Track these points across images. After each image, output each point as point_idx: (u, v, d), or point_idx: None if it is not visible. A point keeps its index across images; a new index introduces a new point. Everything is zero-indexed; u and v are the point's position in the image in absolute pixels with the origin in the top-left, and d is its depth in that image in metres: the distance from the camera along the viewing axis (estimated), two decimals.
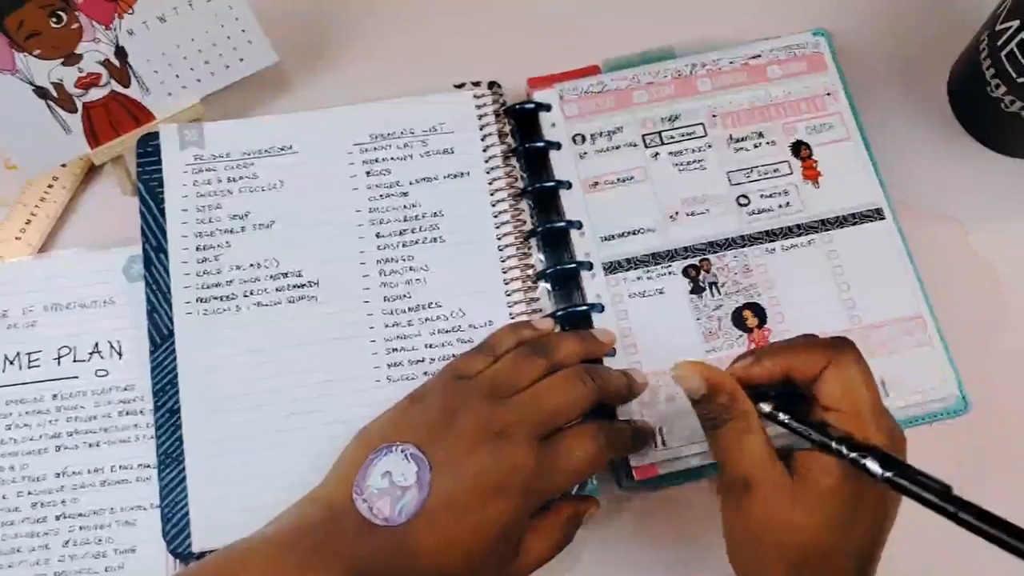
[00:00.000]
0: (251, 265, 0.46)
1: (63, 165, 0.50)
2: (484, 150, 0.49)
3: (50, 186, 0.49)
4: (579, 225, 0.47)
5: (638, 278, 0.46)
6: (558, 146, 0.48)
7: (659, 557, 0.45)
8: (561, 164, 0.48)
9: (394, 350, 0.45)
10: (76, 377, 0.45)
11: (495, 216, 0.47)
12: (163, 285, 0.46)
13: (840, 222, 0.47)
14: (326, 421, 0.43)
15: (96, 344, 0.46)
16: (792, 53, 0.50)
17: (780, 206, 0.47)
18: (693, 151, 0.48)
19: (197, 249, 0.46)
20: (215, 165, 0.48)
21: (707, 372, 0.36)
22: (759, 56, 0.50)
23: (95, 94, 0.47)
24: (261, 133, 0.49)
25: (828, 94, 0.49)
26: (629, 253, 0.46)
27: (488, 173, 0.48)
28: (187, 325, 0.45)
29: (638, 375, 0.43)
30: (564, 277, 0.47)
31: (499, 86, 0.50)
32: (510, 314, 0.46)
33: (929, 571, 0.43)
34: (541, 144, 0.48)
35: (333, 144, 0.49)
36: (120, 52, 0.47)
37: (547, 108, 0.49)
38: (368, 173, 0.48)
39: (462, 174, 0.48)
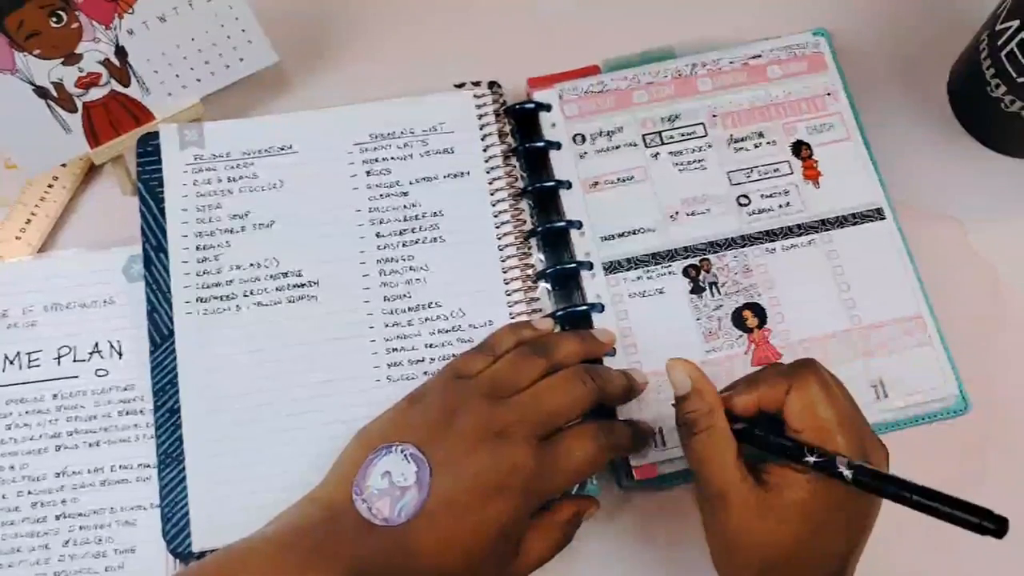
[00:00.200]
0: (251, 265, 0.46)
1: (63, 165, 0.50)
2: (484, 150, 0.49)
3: (50, 186, 0.49)
4: (579, 225, 0.47)
5: (638, 278, 0.46)
6: (558, 146, 0.48)
7: (659, 557, 0.45)
8: (561, 164, 0.48)
9: (394, 350, 0.45)
10: (76, 377, 0.45)
11: (495, 216, 0.47)
12: (163, 285, 0.46)
13: (840, 222, 0.47)
14: (326, 421, 0.43)
15: (96, 344, 0.46)
16: (792, 53, 0.50)
17: (780, 206, 0.47)
18: (693, 151, 0.48)
19: (197, 249, 0.46)
20: (215, 165, 0.48)
21: (696, 373, 0.37)
22: (759, 56, 0.50)
23: (95, 94, 0.47)
24: (261, 133, 0.49)
25: (828, 94, 0.49)
26: (629, 253, 0.46)
27: (488, 173, 0.48)
28: (187, 325, 0.45)
29: (638, 375, 0.43)
30: (564, 277, 0.47)
31: (499, 86, 0.50)
32: (510, 314, 0.46)
33: None
34: (541, 144, 0.48)
35: (333, 144, 0.49)
36: (120, 52, 0.47)
37: (547, 108, 0.49)
38: (368, 173, 0.48)
39: (462, 174, 0.48)
